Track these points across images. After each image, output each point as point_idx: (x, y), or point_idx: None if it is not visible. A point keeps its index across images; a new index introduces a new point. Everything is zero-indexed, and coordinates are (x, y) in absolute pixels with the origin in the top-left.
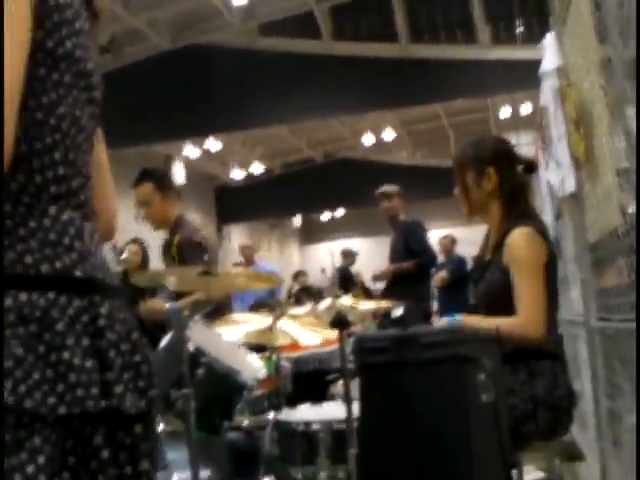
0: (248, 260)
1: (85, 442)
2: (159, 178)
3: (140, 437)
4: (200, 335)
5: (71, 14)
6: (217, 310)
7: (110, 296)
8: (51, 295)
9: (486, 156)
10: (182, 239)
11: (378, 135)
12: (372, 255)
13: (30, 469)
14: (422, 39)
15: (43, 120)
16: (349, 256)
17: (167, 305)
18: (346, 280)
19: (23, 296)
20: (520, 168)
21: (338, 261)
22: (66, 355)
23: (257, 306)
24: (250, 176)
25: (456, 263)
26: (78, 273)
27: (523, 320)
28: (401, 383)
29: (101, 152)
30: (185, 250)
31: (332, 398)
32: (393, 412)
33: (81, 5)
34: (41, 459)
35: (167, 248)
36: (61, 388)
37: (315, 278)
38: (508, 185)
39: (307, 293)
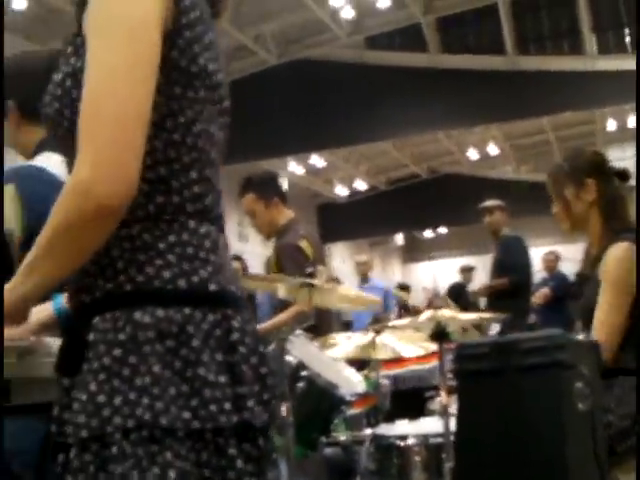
0: (363, 276)
1: (220, 454)
2: (260, 185)
3: (264, 449)
4: (301, 348)
5: (201, 29)
6: (316, 326)
7: (241, 308)
8: (187, 310)
9: (583, 168)
10: (281, 245)
11: (483, 149)
12: (477, 273)
13: None
14: (528, 50)
15: (181, 140)
16: (467, 272)
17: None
18: (461, 297)
19: (160, 312)
20: (615, 179)
21: (455, 277)
22: (201, 371)
23: (375, 323)
24: (353, 193)
25: (559, 280)
26: (213, 287)
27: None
28: (499, 390)
29: None
30: (284, 256)
31: (430, 414)
32: (490, 420)
33: (209, 16)
34: (172, 473)
35: (271, 257)
36: (195, 403)
37: (418, 296)
38: (608, 195)
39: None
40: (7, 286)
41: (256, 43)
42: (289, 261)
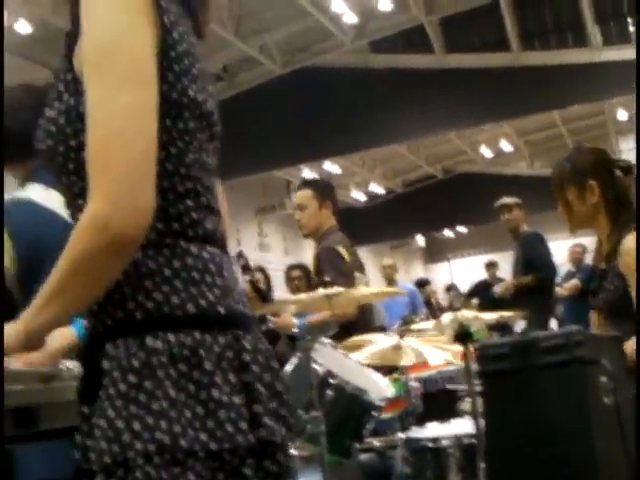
0: (389, 279)
1: (235, 474)
2: (320, 187)
3: (284, 464)
4: (327, 356)
5: (189, 61)
6: (353, 328)
7: (251, 327)
8: (197, 334)
9: (585, 169)
10: (322, 248)
11: (495, 147)
12: (498, 270)
13: None
14: (533, 45)
15: (174, 170)
16: (492, 268)
17: (296, 320)
18: (487, 294)
19: (171, 337)
20: (618, 172)
21: (477, 275)
22: (215, 393)
23: (404, 325)
24: (371, 197)
25: (587, 273)
26: (221, 309)
27: None
28: (522, 389)
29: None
30: (323, 259)
31: (461, 415)
32: (516, 419)
33: (194, 43)
34: None
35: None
36: (211, 425)
37: (440, 296)
38: (612, 194)
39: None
40: (22, 316)
41: (261, 53)
42: (327, 264)
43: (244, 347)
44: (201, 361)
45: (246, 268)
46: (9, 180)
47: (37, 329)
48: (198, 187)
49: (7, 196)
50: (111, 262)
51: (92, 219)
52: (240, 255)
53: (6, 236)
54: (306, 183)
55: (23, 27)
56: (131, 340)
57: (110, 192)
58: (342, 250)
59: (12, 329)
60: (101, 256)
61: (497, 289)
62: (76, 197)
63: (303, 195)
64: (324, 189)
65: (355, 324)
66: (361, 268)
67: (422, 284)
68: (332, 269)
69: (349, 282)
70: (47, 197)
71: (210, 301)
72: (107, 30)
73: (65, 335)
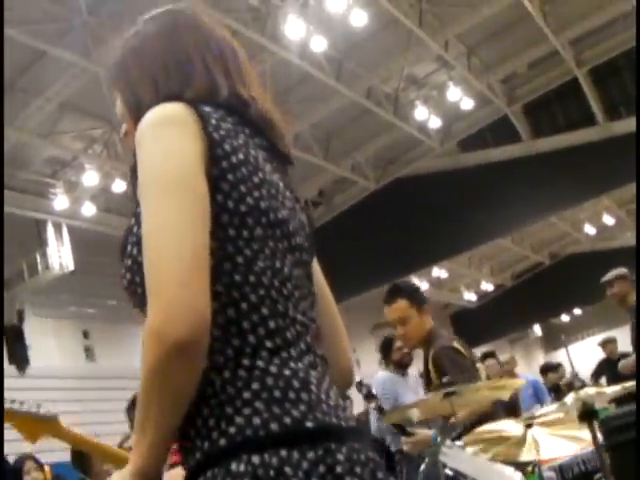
0: (510, 375)
1: None
2: (413, 293)
3: None
4: (455, 458)
5: (247, 170)
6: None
7: (347, 439)
8: (283, 452)
9: None
10: (437, 349)
11: (598, 223)
12: (620, 346)
13: None
14: (619, 114)
15: (243, 280)
16: (609, 345)
17: (431, 432)
18: (612, 372)
19: (256, 459)
20: None
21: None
22: None
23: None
24: (482, 295)
25: None
26: (309, 424)
27: None
28: None
29: (328, 302)
30: (443, 359)
31: None
32: None
33: (263, 158)
34: None
35: (426, 366)
36: None
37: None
38: None
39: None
40: (130, 458)
41: (353, 172)
42: (450, 363)
43: (338, 460)
44: (288, 479)
45: (369, 396)
46: None
47: (145, 462)
48: (273, 294)
49: None
50: (177, 370)
51: (148, 332)
52: (361, 384)
53: None
54: (397, 294)
55: (119, 186)
56: (217, 469)
57: (160, 302)
58: (459, 346)
59: (125, 473)
60: (165, 366)
61: (620, 366)
62: None
63: (400, 307)
64: (417, 293)
65: (488, 418)
66: (474, 360)
67: (550, 369)
68: (455, 367)
69: (473, 377)
70: None
71: (295, 417)
72: (153, 150)
73: (178, 474)
